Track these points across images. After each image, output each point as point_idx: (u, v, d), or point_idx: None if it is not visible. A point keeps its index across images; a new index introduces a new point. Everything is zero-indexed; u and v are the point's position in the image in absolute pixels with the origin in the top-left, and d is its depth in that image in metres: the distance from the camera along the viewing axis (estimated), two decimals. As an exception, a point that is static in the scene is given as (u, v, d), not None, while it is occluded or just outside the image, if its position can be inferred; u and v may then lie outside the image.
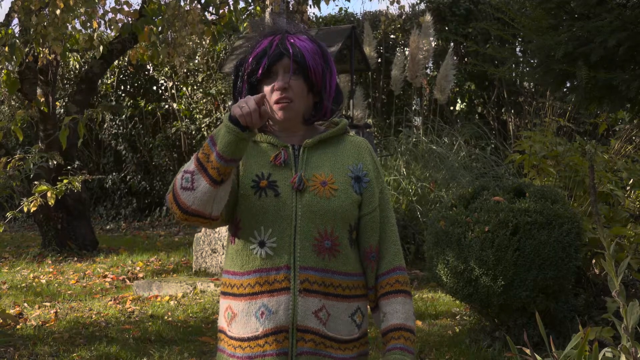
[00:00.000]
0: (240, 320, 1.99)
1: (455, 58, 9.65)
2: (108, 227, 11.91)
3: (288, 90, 1.99)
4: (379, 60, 10.74)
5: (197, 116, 12.09)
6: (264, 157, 2.03)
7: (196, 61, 12.01)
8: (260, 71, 2.00)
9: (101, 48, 7.92)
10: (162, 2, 8.17)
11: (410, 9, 11.98)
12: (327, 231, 1.98)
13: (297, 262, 1.96)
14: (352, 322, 2.03)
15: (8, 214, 5.05)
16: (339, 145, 2.08)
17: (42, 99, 8.61)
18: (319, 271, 1.97)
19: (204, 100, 12.06)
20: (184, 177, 1.89)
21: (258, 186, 1.99)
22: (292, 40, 2.02)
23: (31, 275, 7.83)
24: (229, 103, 11.64)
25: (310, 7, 8.90)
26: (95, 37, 7.97)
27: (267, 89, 2.00)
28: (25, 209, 4.93)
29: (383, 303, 2.05)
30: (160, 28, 8.14)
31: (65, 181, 4.99)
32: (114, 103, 12.65)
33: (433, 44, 9.39)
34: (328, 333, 1.98)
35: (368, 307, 2.12)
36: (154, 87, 12.81)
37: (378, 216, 2.06)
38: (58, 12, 6.83)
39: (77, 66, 12.34)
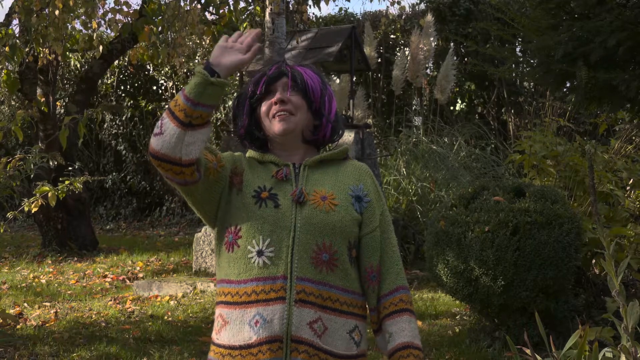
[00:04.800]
0: (232, 328, 1.99)
1: (455, 58, 9.65)
2: (108, 227, 11.92)
3: (287, 104, 2.05)
4: (379, 60, 10.75)
5: (197, 116, 12.08)
6: (266, 173, 2.07)
7: (196, 61, 12.01)
8: (259, 90, 2.07)
9: (101, 48, 7.92)
10: (162, 2, 8.17)
11: (411, 9, 11.99)
12: (326, 244, 1.99)
13: (294, 272, 1.96)
14: (351, 338, 2.02)
15: (8, 214, 5.05)
16: (339, 167, 2.12)
17: (42, 99, 8.61)
18: (315, 283, 1.97)
19: (204, 100, 12.06)
20: (155, 126, 1.97)
21: (259, 197, 2.02)
22: (291, 65, 2.12)
23: (31, 275, 7.83)
24: (229, 103, 11.65)
25: (310, 7, 8.90)
26: (95, 37, 7.98)
27: (265, 107, 2.08)
28: (26, 210, 4.93)
29: (388, 323, 2.05)
30: (160, 28, 8.14)
31: (67, 182, 4.99)
32: (114, 103, 12.65)
33: (433, 44, 9.40)
34: (323, 346, 1.97)
35: (370, 329, 2.11)
36: (154, 87, 12.81)
37: (379, 236, 2.07)
38: (57, 12, 6.83)
39: (78, 65, 12.34)
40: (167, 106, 1.97)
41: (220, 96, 1.97)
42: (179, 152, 1.93)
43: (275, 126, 2.05)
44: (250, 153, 2.14)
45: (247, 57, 1.98)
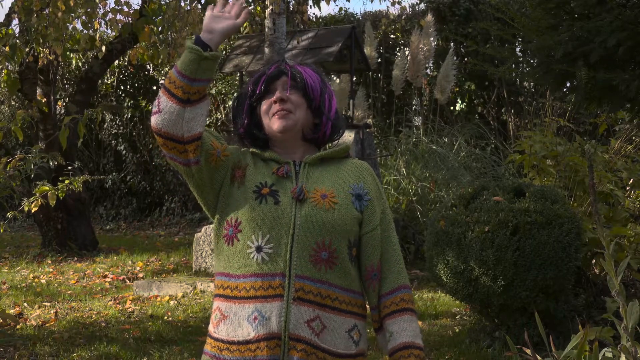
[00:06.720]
0: (230, 322, 1.99)
1: (455, 58, 9.65)
2: (108, 227, 11.92)
3: (287, 102, 2.06)
4: (379, 60, 10.75)
5: (197, 116, 12.07)
6: (267, 169, 2.08)
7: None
8: (259, 89, 2.08)
9: (104, 48, 7.93)
10: (162, 2, 8.17)
11: (411, 10, 11.99)
12: (325, 243, 1.99)
13: (292, 270, 1.96)
14: (349, 337, 2.01)
15: (8, 214, 5.05)
16: (340, 165, 2.12)
17: (42, 99, 8.62)
18: (314, 281, 1.97)
19: (204, 100, 12.05)
20: (153, 105, 1.99)
21: (260, 192, 2.02)
22: (290, 64, 2.13)
23: (31, 275, 7.83)
24: (229, 103, 11.65)
25: (311, 7, 8.91)
26: (97, 37, 7.98)
27: (265, 106, 2.08)
28: (26, 209, 4.93)
29: (389, 322, 2.04)
30: (160, 28, 8.14)
31: (66, 182, 4.99)
32: (114, 103, 12.65)
33: (433, 44, 9.40)
34: (320, 344, 1.96)
35: (372, 328, 2.11)
36: (154, 87, 12.81)
37: (379, 234, 2.07)
38: (60, 14, 6.83)
39: (80, 64, 12.34)
40: (161, 83, 1.97)
41: (215, 68, 1.99)
42: (180, 129, 1.96)
43: (274, 124, 2.06)
44: (253, 149, 2.14)
45: (240, 21, 2.01)
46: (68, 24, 7.39)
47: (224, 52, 11.71)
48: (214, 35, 1.98)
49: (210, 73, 1.97)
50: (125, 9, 7.65)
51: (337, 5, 34.83)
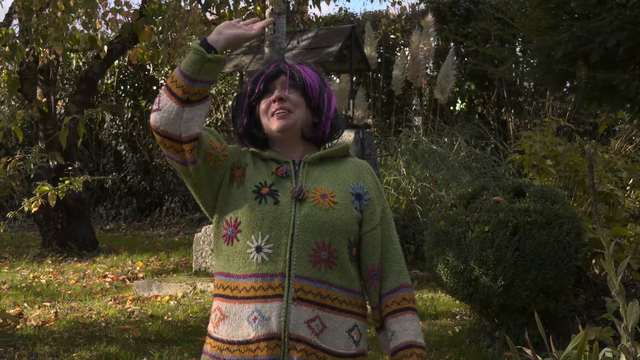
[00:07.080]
0: (230, 322, 1.99)
1: (455, 58, 9.65)
2: (108, 227, 11.92)
3: (285, 102, 2.05)
4: (379, 60, 10.75)
5: (197, 116, 12.06)
6: (267, 169, 2.07)
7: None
8: (258, 88, 2.08)
9: (105, 48, 7.93)
10: (163, 2, 8.17)
11: (411, 9, 11.99)
12: (325, 243, 1.98)
13: (292, 270, 1.96)
14: (350, 337, 2.01)
15: (8, 214, 5.05)
16: (340, 164, 2.12)
17: (43, 99, 8.62)
18: (314, 281, 1.97)
19: (204, 100, 12.04)
20: (154, 103, 2.00)
21: (259, 192, 2.02)
22: (290, 63, 2.13)
23: (31, 275, 7.83)
24: (229, 103, 11.64)
25: (311, 7, 8.90)
26: (99, 38, 7.99)
27: (264, 105, 2.08)
28: (26, 209, 4.93)
29: (390, 322, 2.04)
30: (160, 28, 8.15)
31: (67, 182, 4.99)
32: (114, 103, 12.65)
33: (433, 44, 9.40)
34: (320, 344, 1.96)
35: (373, 327, 2.10)
36: (154, 87, 12.81)
37: (379, 234, 2.06)
38: (59, 14, 6.83)
39: (80, 64, 12.34)
40: (163, 82, 1.97)
41: (218, 71, 1.99)
42: (178, 128, 1.96)
43: (273, 124, 2.05)
44: (252, 149, 2.14)
45: (251, 33, 2.01)
46: (68, 24, 7.39)
47: (225, 53, 11.72)
48: (220, 38, 1.98)
49: (212, 75, 1.97)
50: (125, 9, 7.65)
51: (337, 5, 34.82)
